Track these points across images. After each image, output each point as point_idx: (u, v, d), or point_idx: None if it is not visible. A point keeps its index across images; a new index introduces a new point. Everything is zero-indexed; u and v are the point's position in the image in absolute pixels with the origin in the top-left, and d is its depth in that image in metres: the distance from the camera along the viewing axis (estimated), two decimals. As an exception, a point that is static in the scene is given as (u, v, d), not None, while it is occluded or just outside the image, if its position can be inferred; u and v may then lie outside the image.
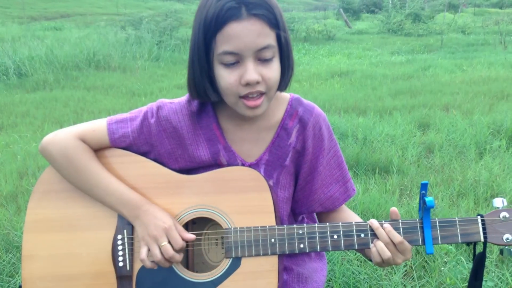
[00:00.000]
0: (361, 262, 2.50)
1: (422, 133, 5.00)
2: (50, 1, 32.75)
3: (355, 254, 2.53)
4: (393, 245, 1.17)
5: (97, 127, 1.29)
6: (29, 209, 1.28)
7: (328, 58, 12.65)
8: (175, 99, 1.33)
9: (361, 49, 14.47)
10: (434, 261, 2.43)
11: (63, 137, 1.26)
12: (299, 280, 1.43)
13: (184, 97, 1.32)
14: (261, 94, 1.16)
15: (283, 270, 1.39)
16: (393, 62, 11.02)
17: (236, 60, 1.12)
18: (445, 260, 2.39)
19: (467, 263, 2.25)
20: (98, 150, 1.29)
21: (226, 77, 1.14)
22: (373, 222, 1.19)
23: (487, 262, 2.38)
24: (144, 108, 1.31)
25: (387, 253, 1.16)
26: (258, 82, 1.13)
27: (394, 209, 1.22)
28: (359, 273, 2.38)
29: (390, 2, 23.20)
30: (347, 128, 4.88)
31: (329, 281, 2.34)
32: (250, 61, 1.11)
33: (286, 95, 1.36)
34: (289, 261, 1.43)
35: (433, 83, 7.77)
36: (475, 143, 4.47)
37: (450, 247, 2.24)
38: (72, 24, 20.71)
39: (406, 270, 2.44)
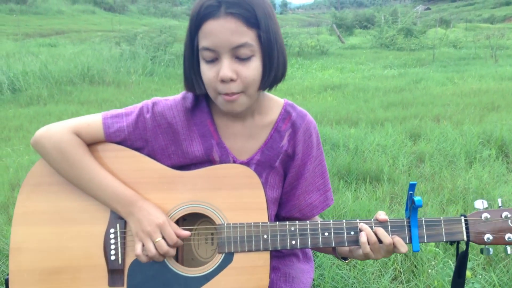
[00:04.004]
0: (350, 267, 2.51)
1: (413, 143, 5.04)
2: (45, 18, 32.90)
3: (345, 259, 2.54)
4: (378, 244, 1.20)
5: (92, 121, 1.29)
6: (19, 202, 1.26)
7: (321, 72, 12.76)
8: (170, 97, 1.35)
9: (354, 63, 14.61)
10: (422, 265, 2.45)
11: (57, 131, 1.26)
12: (285, 280, 1.44)
13: (178, 95, 1.35)
14: (237, 93, 1.18)
15: (271, 269, 1.41)
16: (386, 76, 11.12)
17: (214, 57, 1.16)
18: (433, 263, 2.41)
19: (453, 264, 2.26)
20: (91, 144, 1.29)
21: (206, 73, 1.18)
22: (363, 226, 1.22)
23: (474, 265, 2.40)
24: (139, 105, 1.33)
25: (367, 249, 1.20)
26: (232, 80, 1.15)
27: (381, 213, 1.25)
28: (348, 277, 2.39)
29: (383, 17, 23.45)
30: (338, 139, 4.91)
31: (319, 286, 2.35)
32: (226, 58, 1.15)
33: (280, 99, 1.38)
34: (276, 261, 1.44)
35: (425, 96, 7.84)
36: (465, 152, 4.51)
37: (438, 249, 2.26)
38: (67, 41, 20.77)
39: (394, 274, 2.46)
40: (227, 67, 1.14)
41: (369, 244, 1.20)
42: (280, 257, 1.46)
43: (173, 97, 1.35)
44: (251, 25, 1.14)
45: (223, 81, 1.15)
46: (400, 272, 2.45)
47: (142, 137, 1.30)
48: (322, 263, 2.47)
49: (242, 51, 1.14)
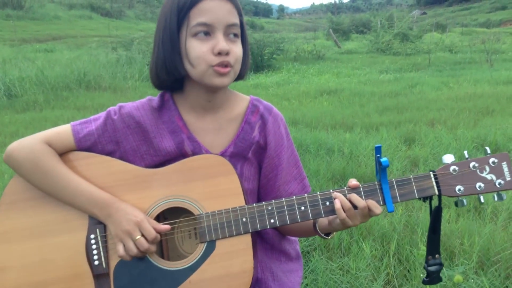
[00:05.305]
0: (343, 272, 2.52)
1: (408, 148, 5.07)
2: (42, 23, 32.97)
3: (338, 264, 2.56)
4: (353, 210, 1.22)
5: (62, 130, 1.32)
6: None
7: (317, 77, 12.78)
8: (135, 101, 1.39)
9: (350, 68, 14.64)
10: (415, 270, 2.46)
11: (29, 143, 1.28)
12: (274, 279, 1.45)
13: (144, 99, 1.39)
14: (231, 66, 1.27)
15: (259, 268, 1.42)
16: (381, 80, 11.15)
17: (207, 31, 1.23)
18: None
19: (446, 271, 2.28)
20: (62, 154, 1.30)
21: (198, 48, 1.23)
22: (337, 194, 1.24)
23: (466, 269, 2.41)
24: (106, 111, 1.36)
25: (342, 215, 1.22)
26: (228, 53, 1.23)
27: (352, 180, 1.27)
28: (341, 282, 2.40)
29: (379, 22, 23.55)
30: (333, 144, 4.93)
31: (312, 290, 2.36)
32: (221, 34, 1.23)
33: (246, 96, 1.45)
34: (265, 259, 1.45)
35: (420, 100, 7.87)
36: (458, 156, 4.51)
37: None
38: (63, 46, 20.81)
39: (387, 279, 2.47)
40: (224, 41, 1.23)
41: (344, 211, 1.22)
42: (269, 254, 1.47)
43: (138, 100, 1.39)
44: (238, 11, 1.27)
45: (219, 53, 1.22)
46: (393, 277, 2.46)
47: (112, 139, 1.32)
48: (315, 268, 2.49)
49: (233, 30, 1.26)
